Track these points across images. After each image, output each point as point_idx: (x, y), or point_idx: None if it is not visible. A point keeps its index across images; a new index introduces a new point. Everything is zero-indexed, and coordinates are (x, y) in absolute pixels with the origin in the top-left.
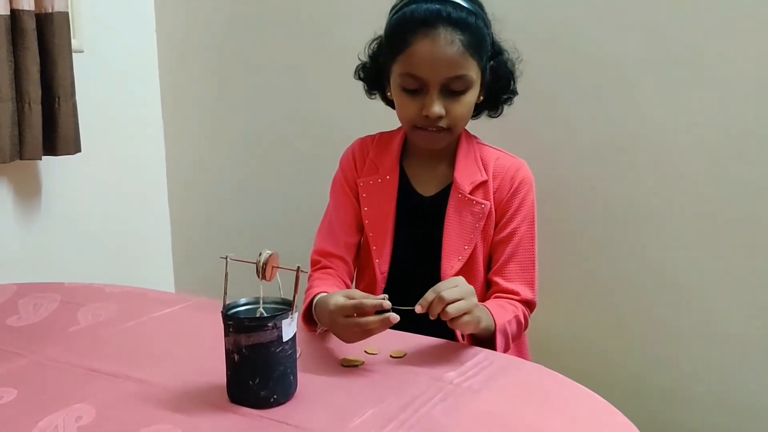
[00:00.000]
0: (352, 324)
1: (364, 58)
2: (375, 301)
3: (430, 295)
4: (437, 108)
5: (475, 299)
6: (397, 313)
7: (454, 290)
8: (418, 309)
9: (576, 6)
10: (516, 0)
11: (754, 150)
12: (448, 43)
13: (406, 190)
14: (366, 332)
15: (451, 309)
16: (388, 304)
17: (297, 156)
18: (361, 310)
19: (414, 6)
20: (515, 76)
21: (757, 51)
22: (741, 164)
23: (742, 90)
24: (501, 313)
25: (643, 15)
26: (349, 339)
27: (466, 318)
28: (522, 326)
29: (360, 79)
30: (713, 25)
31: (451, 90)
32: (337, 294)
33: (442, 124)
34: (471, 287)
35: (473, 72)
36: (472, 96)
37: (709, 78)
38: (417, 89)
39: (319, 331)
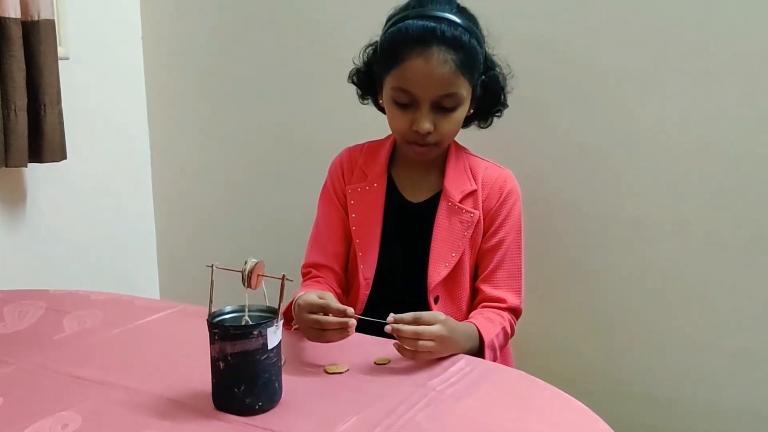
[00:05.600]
0: (312, 321)
1: (359, 63)
2: (339, 306)
3: (407, 328)
4: (427, 124)
5: (445, 346)
6: (368, 324)
7: (431, 329)
8: (388, 329)
9: (566, 14)
10: (505, 7)
11: (742, 156)
12: (441, 62)
13: (393, 197)
14: (321, 333)
15: (418, 345)
16: (351, 311)
17: (284, 163)
18: (325, 311)
19: (410, 21)
20: (506, 91)
21: (745, 57)
22: (729, 170)
23: (731, 95)
24: (489, 327)
25: (633, 23)
26: (307, 336)
27: (425, 355)
28: (509, 336)
29: (353, 83)
30: (701, 31)
31: (442, 107)
32: (311, 292)
33: (431, 139)
34: (448, 332)
35: (464, 90)
36: (461, 112)
37: (697, 85)
38: (408, 104)
39: (294, 328)
